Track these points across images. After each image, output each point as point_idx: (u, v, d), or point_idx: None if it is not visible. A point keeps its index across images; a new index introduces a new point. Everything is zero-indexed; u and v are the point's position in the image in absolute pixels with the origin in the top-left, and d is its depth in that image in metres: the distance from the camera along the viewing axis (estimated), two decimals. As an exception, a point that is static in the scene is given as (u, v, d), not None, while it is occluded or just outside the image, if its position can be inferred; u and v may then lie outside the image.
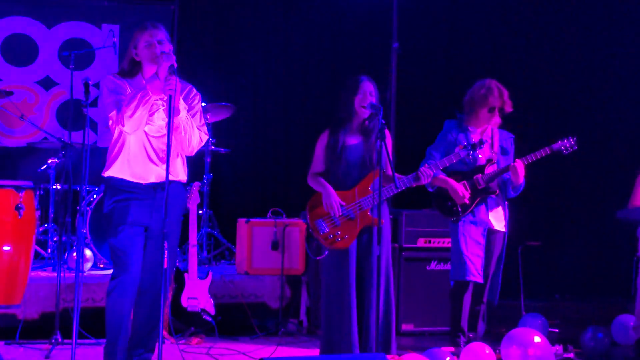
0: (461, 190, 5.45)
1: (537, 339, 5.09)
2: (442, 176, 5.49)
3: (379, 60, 7.86)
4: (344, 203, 5.08)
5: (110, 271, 4.69)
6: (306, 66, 8.61)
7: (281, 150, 8.57)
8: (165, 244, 4.35)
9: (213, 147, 7.58)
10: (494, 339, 5.62)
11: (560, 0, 8.51)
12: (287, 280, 6.54)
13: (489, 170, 5.55)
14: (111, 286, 4.57)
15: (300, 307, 6.56)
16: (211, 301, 6.06)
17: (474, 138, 5.52)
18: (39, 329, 5.79)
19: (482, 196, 5.54)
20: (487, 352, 5.07)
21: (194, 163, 6.89)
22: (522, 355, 5.04)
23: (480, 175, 5.53)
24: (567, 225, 8.37)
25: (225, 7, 8.49)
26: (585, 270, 8.16)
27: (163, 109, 4.60)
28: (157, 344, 4.36)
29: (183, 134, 4.55)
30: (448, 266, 6.20)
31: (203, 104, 6.51)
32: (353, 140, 5.17)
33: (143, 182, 4.59)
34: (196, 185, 6.06)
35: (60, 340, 5.46)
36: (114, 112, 4.50)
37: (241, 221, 6.83)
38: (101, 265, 6.73)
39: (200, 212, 7.35)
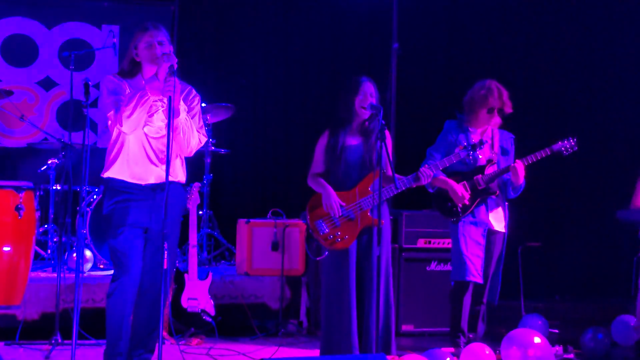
0: (460, 191, 5.45)
1: (537, 340, 5.09)
2: (442, 177, 5.49)
3: (379, 61, 7.87)
4: (343, 203, 5.08)
5: (110, 272, 4.69)
6: (306, 67, 8.61)
7: (281, 150, 8.57)
8: (165, 245, 4.35)
9: (213, 148, 7.58)
10: (494, 339, 5.62)
11: (560, 0, 8.51)
12: (287, 281, 6.54)
13: (489, 170, 5.55)
14: (111, 288, 4.57)
15: (300, 308, 6.55)
16: (211, 302, 6.06)
17: (474, 138, 5.51)
18: (39, 330, 5.79)
19: (482, 197, 5.54)
20: (487, 352, 5.07)
21: (194, 164, 6.90)
22: (522, 355, 5.04)
23: (480, 175, 5.53)
24: (567, 225, 8.37)
25: (225, 7, 8.49)
26: (585, 270, 8.16)
27: (162, 110, 4.60)
28: (157, 344, 4.35)
29: (182, 135, 4.55)
30: (448, 267, 6.21)
31: (203, 105, 6.51)
32: (353, 140, 5.16)
33: (142, 183, 4.59)
34: (196, 185, 6.06)
35: (60, 340, 5.47)
36: (112, 112, 4.51)
37: (241, 222, 6.83)
38: (101, 266, 6.74)
39: (200, 212, 7.35)
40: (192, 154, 4.71)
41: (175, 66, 4.41)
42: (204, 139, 4.71)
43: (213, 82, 8.27)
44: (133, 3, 8.31)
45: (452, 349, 5.42)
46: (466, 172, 5.56)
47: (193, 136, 4.61)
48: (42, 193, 6.91)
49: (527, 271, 6.78)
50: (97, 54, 8.02)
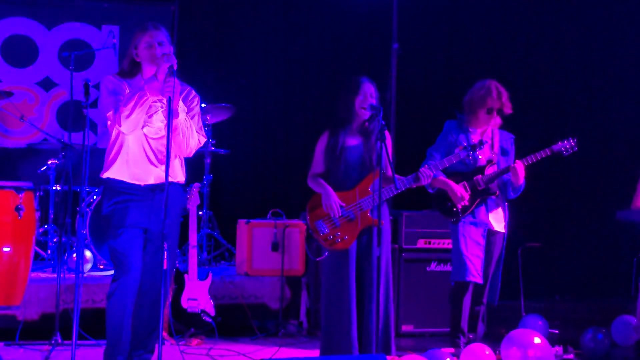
0: (460, 191, 5.45)
1: (537, 340, 5.09)
2: (442, 177, 5.49)
3: (379, 61, 7.87)
4: (343, 204, 5.08)
5: (110, 272, 4.69)
6: (306, 67, 8.61)
7: (281, 151, 8.57)
8: (165, 245, 4.35)
9: (213, 148, 7.58)
10: (494, 339, 5.62)
11: (560, 0, 8.51)
12: (287, 281, 6.54)
13: (489, 171, 5.55)
14: (112, 288, 4.57)
15: (300, 308, 6.55)
16: (211, 302, 6.06)
17: (474, 139, 5.51)
18: (38, 330, 5.78)
19: (482, 197, 5.54)
20: (487, 353, 5.06)
21: (194, 164, 6.91)
22: (522, 356, 5.04)
23: (480, 176, 5.53)
24: (567, 226, 8.37)
25: (225, 7, 8.48)
26: (585, 271, 8.16)
27: (162, 111, 4.60)
28: (157, 345, 4.35)
29: (181, 136, 4.55)
30: (448, 267, 6.21)
31: (203, 105, 6.52)
32: (353, 141, 5.16)
33: (141, 183, 4.59)
34: (196, 186, 6.06)
35: (60, 341, 5.47)
36: (111, 112, 4.51)
37: (241, 222, 6.83)
38: (101, 267, 6.74)
39: (200, 213, 7.35)
40: (191, 155, 4.71)
41: (175, 67, 4.41)
42: (203, 140, 4.71)
43: (213, 82, 8.27)
44: (133, 3, 8.31)
45: (452, 350, 5.42)
46: (466, 172, 5.56)
47: (192, 137, 4.61)
48: (42, 193, 6.91)
49: (527, 271, 6.78)
50: (97, 55, 8.03)
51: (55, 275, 5.82)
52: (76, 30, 8.18)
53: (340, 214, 5.08)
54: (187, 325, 5.99)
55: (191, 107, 4.72)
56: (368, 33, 8.53)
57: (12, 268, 5.45)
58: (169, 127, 4.31)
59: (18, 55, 8.08)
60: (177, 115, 4.47)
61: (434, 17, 8.58)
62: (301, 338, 6.32)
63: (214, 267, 7.33)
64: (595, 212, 8.11)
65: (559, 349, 5.65)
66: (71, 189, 5.83)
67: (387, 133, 4.88)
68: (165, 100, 4.53)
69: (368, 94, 5.14)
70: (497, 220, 5.60)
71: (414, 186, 5.16)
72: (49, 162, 6.89)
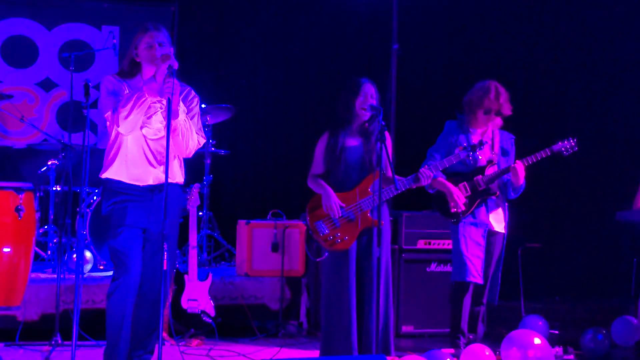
0: (457, 194, 5.44)
1: (537, 341, 5.09)
2: (441, 179, 5.49)
3: (379, 61, 7.87)
4: (343, 204, 5.08)
5: (110, 273, 4.68)
6: (306, 67, 8.61)
7: (281, 151, 8.57)
8: (165, 246, 4.35)
9: (213, 149, 7.58)
10: (494, 340, 5.62)
11: (560, 1, 8.52)
12: (287, 282, 6.54)
13: (490, 171, 5.55)
14: (112, 288, 4.57)
15: (300, 309, 6.55)
16: (211, 303, 6.06)
17: (474, 139, 5.51)
18: (38, 331, 5.78)
19: (482, 197, 5.54)
20: (487, 353, 5.06)
21: (194, 165, 6.92)
22: (522, 356, 5.04)
23: (480, 176, 5.53)
24: (567, 226, 8.37)
25: (225, 8, 8.49)
26: (585, 271, 8.17)
27: (161, 112, 4.60)
28: (157, 345, 4.35)
29: (180, 137, 4.55)
30: (448, 268, 6.20)
31: (203, 106, 6.52)
32: (353, 141, 5.16)
33: (140, 184, 4.59)
34: (196, 186, 6.06)
35: (60, 341, 5.47)
36: (109, 113, 4.51)
37: (241, 223, 6.83)
38: (101, 267, 6.73)
39: (200, 213, 7.35)
40: (190, 155, 4.71)
41: (175, 66, 4.41)
42: (202, 140, 4.71)
43: (213, 82, 8.27)
44: (133, 4, 8.31)
45: (452, 350, 5.42)
46: (466, 172, 5.56)
47: (192, 138, 4.61)
48: (42, 194, 6.92)
49: (527, 272, 6.78)
50: (97, 55, 8.03)
51: (55, 275, 5.82)
52: (76, 31, 8.19)
53: (340, 215, 5.08)
54: (187, 325, 5.99)
55: (191, 107, 4.71)
56: (368, 33, 8.54)
57: (12, 269, 5.45)
58: (168, 127, 4.31)
59: (18, 56, 8.08)
60: (177, 116, 4.47)
61: (434, 17, 8.59)
62: (301, 339, 6.32)
63: (214, 268, 7.33)
64: (595, 213, 8.11)
65: (559, 349, 5.65)
66: (71, 190, 5.83)
67: (387, 134, 4.88)
68: (164, 101, 4.53)
69: (369, 94, 5.14)
70: (497, 221, 5.60)
71: (414, 187, 5.16)
72: (49, 163, 6.89)
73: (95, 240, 6.70)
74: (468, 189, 5.52)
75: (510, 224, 5.68)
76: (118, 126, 4.49)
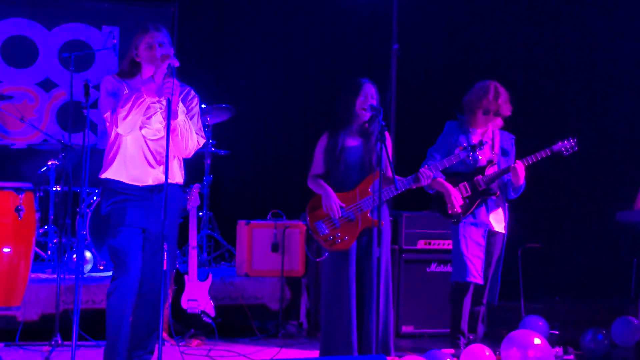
0: (454, 195, 5.44)
1: (537, 341, 5.09)
2: (440, 179, 5.48)
3: (379, 62, 7.87)
4: (343, 205, 5.08)
5: (110, 273, 4.68)
6: (306, 67, 8.61)
7: (281, 151, 8.57)
8: (165, 246, 4.35)
9: (213, 149, 7.58)
10: (494, 340, 5.61)
11: (560, 1, 8.52)
12: (287, 282, 6.54)
13: (490, 171, 5.55)
14: (111, 287, 4.57)
15: (300, 309, 6.55)
16: (211, 303, 6.06)
17: (474, 139, 5.51)
18: (38, 331, 5.78)
19: (482, 197, 5.54)
20: (487, 353, 5.06)
21: (194, 165, 6.92)
22: (522, 357, 5.03)
23: (480, 176, 5.53)
24: (567, 226, 8.37)
25: (225, 8, 8.49)
26: (585, 271, 8.17)
27: (161, 112, 4.60)
28: (157, 345, 4.35)
29: (180, 137, 4.54)
30: (448, 268, 6.20)
31: (203, 106, 6.51)
32: (352, 142, 5.16)
33: (140, 184, 4.59)
34: (196, 187, 6.06)
35: (60, 342, 5.47)
36: (108, 114, 4.51)
37: (241, 223, 6.83)
38: (101, 267, 6.74)
39: (200, 214, 7.35)
40: (190, 156, 4.70)
41: (176, 64, 4.41)
42: (202, 141, 4.71)
43: (213, 83, 8.27)
44: (133, 4, 8.31)
45: (452, 350, 5.42)
46: (466, 172, 5.56)
47: (191, 138, 4.61)
48: (42, 194, 6.92)
49: (527, 272, 6.78)
50: (97, 55, 8.03)
51: (55, 276, 5.82)
52: (76, 31, 8.19)
53: (340, 215, 5.08)
54: (187, 326, 5.99)
55: (190, 107, 4.71)
56: (368, 34, 8.54)
57: (12, 269, 5.45)
58: (168, 128, 4.31)
59: (18, 56, 8.09)
60: (176, 117, 4.46)
61: (434, 17, 8.59)
62: (301, 339, 6.32)
63: (214, 268, 7.33)
64: (595, 213, 8.12)
65: (559, 349, 5.65)
66: (71, 190, 5.83)
67: (386, 134, 4.88)
68: (164, 101, 4.53)
69: (369, 95, 5.14)
70: (498, 221, 5.60)
71: (414, 187, 5.15)
72: (49, 163, 6.89)
73: (95, 240, 6.70)
74: (468, 189, 5.52)
75: (510, 224, 5.68)
76: (117, 127, 4.49)
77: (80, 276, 4.89)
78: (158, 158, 4.60)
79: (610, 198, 7.78)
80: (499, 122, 5.59)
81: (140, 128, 4.57)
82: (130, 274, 4.54)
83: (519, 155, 5.56)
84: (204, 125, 7.04)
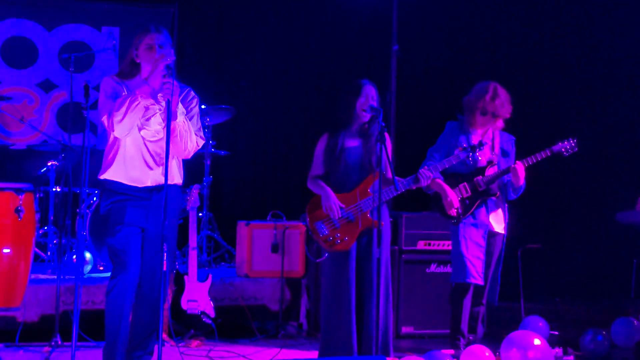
0: (451, 197, 5.43)
1: (537, 342, 5.08)
2: (439, 180, 5.47)
3: (379, 63, 7.87)
4: (343, 205, 5.08)
5: (110, 273, 4.69)
6: (306, 68, 8.61)
7: (281, 152, 8.57)
8: (165, 247, 4.35)
9: (213, 150, 7.58)
10: (494, 341, 5.61)
11: (560, 1, 8.52)
12: (287, 283, 6.54)
13: (490, 172, 5.55)
14: (110, 285, 4.57)
15: (300, 310, 6.55)
16: (211, 304, 6.06)
17: (475, 140, 5.50)
18: (38, 332, 5.78)
19: (482, 198, 5.54)
20: (487, 354, 5.06)
21: (194, 165, 6.92)
22: (522, 357, 5.03)
23: (480, 177, 5.53)
24: (567, 227, 8.37)
25: (225, 9, 8.50)
26: (585, 272, 8.17)
27: (160, 113, 4.59)
28: (156, 346, 4.35)
29: (179, 138, 4.54)
30: (448, 269, 6.20)
31: (203, 106, 6.51)
32: (352, 142, 5.16)
33: (139, 185, 4.59)
34: (196, 187, 6.06)
35: (60, 342, 5.47)
36: (105, 117, 4.51)
37: (241, 224, 6.83)
38: (100, 268, 6.73)
39: (200, 214, 7.34)
40: (189, 156, 4.70)
41: (170, 60, 4.40)
42: (201, 142, 4.71)
43: (213, 83, 8.28)
44: (133, 5, 8.31)
45: (452, 351, 5.41)
46: (467, 173, 5.56)
47: (191, 139, 4.61)
48: (41, 195, 6.92)
49: (527, 273, 6.77)
50: (97, 56, 8.04)
51: (55, 276, 5.82)
52: (76, 32, 8.19)
53: (340, 216, 5.08)
54: (187, 326, 5.99)
55: (190, 108, 4.71)
56: (368, 34, 8.54)
57: (12, 270, 5.44)
58: (168, 129, 4.31)
59: (18, 57, 8.09)
60: (175, 118, 4.46)
61: (434, 17, 8.59)
62: (301, 339, 6.32)
63: (214, 269, 7.32)
64: (595, 214, 8.12)
65: (558, 350, 5.65)
66: (71, 191, 5.83)
67: (386, 134, 4.88)
68: (163, 103, 4.53)
69: (369, 96, 5.14)
70: (497, 221, 5.60)
71: (414, 187, 5.15)
72: (49, 164, 6.89)
73: (95, 241, 6.70)
74: (468, 189, 5.51)
75: (510, 224, 5.68)
76: (113, 130, 4.50)
77: (80, 277, 4.88)
78: (157, 159, 4.60)
79: (610, 198, 7.78)
80: (499, 123, 5.57)
81: (140, 129, 4.57)
82: (129, 272, 4.55)
83: (519, 156, 5.55)
84: (204, 126, 7.03)
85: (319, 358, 5.16)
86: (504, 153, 5.65)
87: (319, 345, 5.21)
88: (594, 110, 8.46)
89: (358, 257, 5.07)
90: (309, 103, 8.56)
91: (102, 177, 4.63)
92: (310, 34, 8.61)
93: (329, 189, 5.10)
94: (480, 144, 5.29)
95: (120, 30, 8.14)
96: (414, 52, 7.93)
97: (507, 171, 5.49)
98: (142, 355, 4.70)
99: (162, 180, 4.48)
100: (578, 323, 6.74)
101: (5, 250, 5.41)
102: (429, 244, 6.44)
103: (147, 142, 4.60)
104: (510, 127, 5.70)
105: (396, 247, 6.34)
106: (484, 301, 5.63)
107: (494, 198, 5.56)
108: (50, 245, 6.89)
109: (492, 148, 5.62)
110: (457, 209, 5.44)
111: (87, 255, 6.54)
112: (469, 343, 5.46)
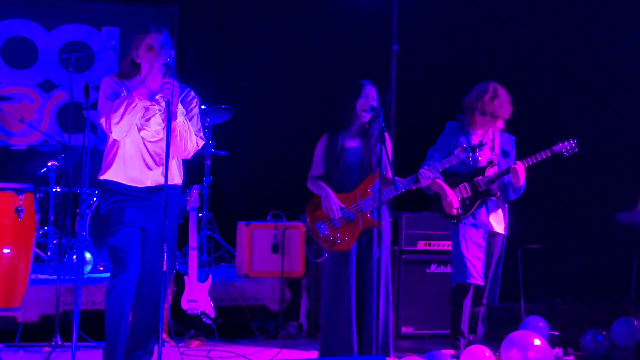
0: (451, 197, 5.43)
1: (537, 342, 5.09)
2: (439, 180, 5.47)
3: (379, 63, 7.87)
4: (343, 205, 5.08)
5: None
6: (306, 68, 8.61)
7: (281, 152, 8.57)
8: (165, 247, 4.35)
9: (213, 150, 7.57)
10: (494, 341, 5.61)
11: (560, 1, 8.52)
12: (287, 283, 6.54)
13: (490, 172, 5.55)
14: (110, 285, 4.58)
15: (300, 310, 6.55)
16: (211, 304, 6.06)
17: (475, 140, 5.50)
18: (38, 332, 5.78)
19: (482, 198, 5.54)
20: (487, 354, 5.06)
21: (194, 166, 6.92)
22: (522, 357, 5.03)
23: (480, 177, 5.53)
24: (567, 227, 8.37)
25: (225, 9, 8.49)
26: (585, 272, 8.16)
27: (160, 114, 4.59)
28: (156, 346, 4.35)
29: (179, 139, 4.54)
30: (448, 269, 6.20)
31: (203, 107, 6.51)
32: (352, 143, 5.16)
33: (139, 185, 4.59)
34: (196, 188, 6.06)
35: (60, 343, 5.47)
36: (103, 119, 4.51)
37: (241, 224, 6.83)
38: (100, 268, 6.73)
39: (200, 214, 7.34)
40: (189, 157, 4.70)
41: (165, 58, 4.40)
42: (201, 142, 4.70)
43: (213, 83, 8.27)
44: (133, 5, 8.30)
45: (452, 351, 5.41)
46: (467, 173, 5.56)
47: (190, 139, 4.60)
48: (42, 195, 6.92)
49: (527, 273, 6.78)
50: (97, 56, 8.03)
51: (55, 276, 5.82)
52: (76, 32, 8.19)
53: (340, 216, 5.08)
54: (187, 327, 5.99)
55: (190, 108, 4.71)
56: (368, 35, 8.54)
57: (12, 270, 5.44)
58: (168, 130, 4.30)
59: (18, 57, 8.09)
60: (175, 118, 4.46)
61: (434, 17, 8.59)
62: (301, 340, 6.33)
63: (214, 269, 7.32)
64: (595, 214, 8.11)
65: (558, 350, 5.65)
66: (71, 191, 5.83)
67: (386, 135, 4.88)
68: (163, 103, 4.53)
69: (369, 96, 5.14)
70: (497, 222, 5.60)
71: (414, 187, 5.15)
72: (49, 164, 6.89)
73: (95, 241, 6.69)
74: (468, 189, 5.51)
75: (510, 225, 5.68)
76: (111, 132, 4.50)
77: (80, 277, 4.88)
78: (157, 159, 4.60)
79: (610, 198, 7.78)
80: (499, 124, 5.57)
81: (139, 130, 4.57)
82: (129, 272, 4.55)
83: (519, 156, 5.55)
84: (204, 126, 7.04)
85: (319, 358, 5.16)
86: (504, 153, 5.65)
87: (319, 346, 5.21)
88: (594, 110, 8.45)
89: (358, 257, 5.08)
90: (309, 103, 8.56)
91: (101, 177, 4.63)
92: (310, 34, 8.61)
93: (329, 189, 5.10)
94: (480, 144, 5.29)
95: (120, 30, 8.13)
96: (414, 52, 7.93)
97: (507, 171, 5.49)
98: (142, 355, 4.70)
99: (161, 181, 4.48)
100: (578, 323, 6.74)
101: (5, 251, 5.41)
102: (429, 244, 6.44)
103: (147, 143, 4.60)
104: (510, 127, 5.70)
105: (396, 247, 6.34)
106: (484, 301, 5.63)
107: (494, 198, 5.56)
108: (50, 246, 6.89)
109: (492, 148, 5.62)
110: (457, 209, 5.44)
111: (87, 255, 6.55)
112: (469, 343, 5.46)
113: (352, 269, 5.04)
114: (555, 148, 5.49)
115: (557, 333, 6.34)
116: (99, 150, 7.24)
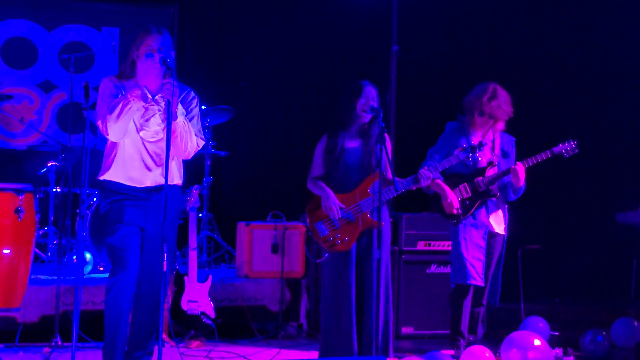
0: (451, 198, 5.43)
1: (537, 342, 5.09)
2: (439, 181, 5.47)
3: (379, 63, 7.87)
4: (343, 206, 5.08)
5: (110, 274, 4.69)
6: (306, 69, 8.61)
7: (281, 152, 8.57)
8: (164, 247, 4.35)
9: (213, 150, 7.57)
10: (494, 341, 5.61)
11: (560, 1, 8.51)
12: (287, 284, 6.54)
13: (490, 172, 5.55)
14: (110, 284, 4.58)
15: (300, 310, 6.55)
16: (211, 304, 6.06)
17: (475, 140, 5.50)
18: (38, 332, 5.79)
19: (482, 199, 5.54)
20: (487, 355, 5.06)
21: (194, 166, 6.91)
22: (522, 358, 5.04)
23: (481, 177, 5.53)
24: (567, 228, 8.36)
25: (225, 9, 8.49)
26: (585, 273, 8.15)
27: (159, 114, 4.59)
28: (156, 347, 4.35)
29: (179, 139, 4.54)
30: (448, 269, 6.19)
31: (203, 107, 6.51)
32: (352, 143, 5.16)
33: (139, 186, 4.60)
34: (196, 188, 6.06)
35: (60, 343, 5.47)
36: (99, 122, 4.51)
37: (241, 224, 6.83)
38: (100, 269, 6.73)
39: (200, 215, 7.34)
40: (189, 157, 4.70)
41: (159, 56, 4.41)
42: (201, 142, 4.71)
43: (213, 84, 8.27)
44: (133, 5, 8.31)
45: (452, 352, 5.42)
46: (467, 174, 5.56)
47: (191, 140, 4.61)
48: (42, 195, 6.92)
49: (527, 274, 6.78)
50: (97, 57, 8.04)
51: (55, 277, 5.82)
52: (76, 32, 8.19)
53: (340, 216, 5.08)
54: (187, 327, 5.99)
55: (190, 109, 4.71)
56: (368, 35, 8.53)
57: (12, 270, 5.43)
58: (168, 130, 4.30)
59: (18, 57, 8.09)
60: (175, 118, 4.46)
61: (434, 19, 8.59)
62: (301, 340, 6.33)
63: (214, 269, 7.32)
64: (595, 215, 8.11)
65: (558, 351, 5.65)
66: (71, 191, 5.83)
67: (386, 135, 4.88)
68: (162, 103, 4.53)
69: (370, 97, 5.14)
70: (498, 222, 5.60)
71: (414, 188, 5.16)
72: (49, 164, 6.88)
73: (95, 241, 6.70)
74: (468, 190, 5.51)
75: (510, 225, 5.68)
76: (107, 135, 4.50)
77: (80, 277, 4.88)
78: (157, 160, 4.60)
79: (610, 199, 7.78)
80: (499, 125, 5.56)
81: (139, 130, 4.57)
82: (128, 271, 4.55)
83: (520, 157, 5.55)
84: (204, 127, 7.04)
85: (319, 358, 5.16)
86: (505, 154, 5.65)
87: (319, 346, 5.22)
88: (594, 110, 8.45)
89: (358, 258, 5.08)
90: (309, 103, 8.55)
91: (101, 178, 4.64)
92: (310, 34, 8.61)
93: (329, 190, 5.10)
94: (480, 145, 5.29)
95: (120, 31, 8.14)
96: (414, 52, 7.93)
97: (507, 172, 5.49)
98: (142, 355, 4.70)
99: (161, 181, 4.49)
100: (578, 323, 6.73)
101: (5, 251, 5.40)
102: (429, 245, 6.44)
103: (147, 143, 4.60)
104: (510, 127, 5.70)
105: (396, 248, 6.34)
106: (484, 302, 5.63)
107: (494, 199, 5.56)
108: (51, 246, 6.89)
109: (493, 149, 5.62)
110: (457, 209, 5.44)
111: (87, 255, 6.55)
112: (469, 344, 5.46)
113: (352, 270, 5.05)
114: (556, 149, 5.49)
115: (557, 333, 6.33)
116: (99, 150, 7.24)
